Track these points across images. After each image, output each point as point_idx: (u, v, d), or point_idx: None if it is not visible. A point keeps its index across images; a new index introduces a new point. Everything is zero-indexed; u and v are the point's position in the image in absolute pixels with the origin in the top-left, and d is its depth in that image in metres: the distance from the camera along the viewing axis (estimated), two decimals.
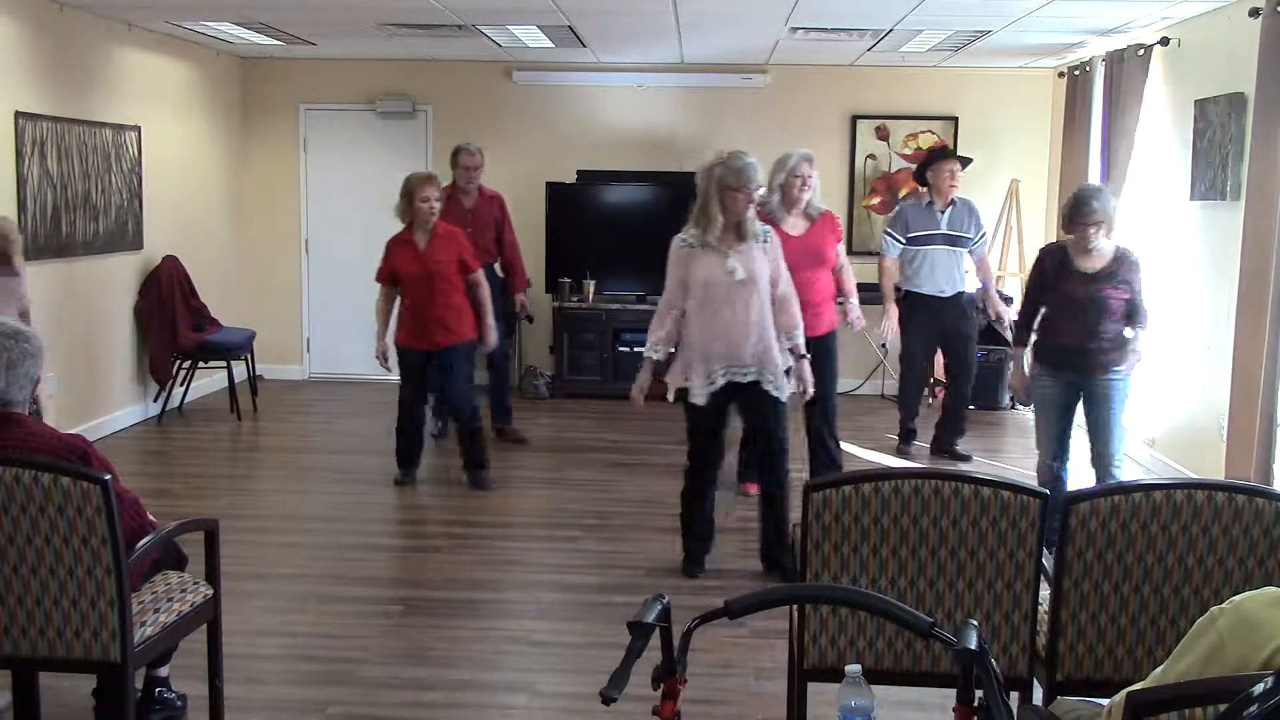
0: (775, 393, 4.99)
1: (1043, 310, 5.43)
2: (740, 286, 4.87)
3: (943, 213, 7.13)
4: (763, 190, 4.98)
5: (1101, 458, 5.33)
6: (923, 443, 7.61)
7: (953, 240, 7.12)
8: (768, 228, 5.06)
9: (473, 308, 6.49)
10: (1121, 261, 5.20)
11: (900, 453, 7.49)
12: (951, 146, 9.40)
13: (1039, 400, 5.49)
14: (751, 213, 4.91)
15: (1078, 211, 5.16)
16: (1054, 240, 5.69)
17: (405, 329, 6.47)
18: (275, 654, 4.30)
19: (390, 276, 6.43)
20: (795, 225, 6.01)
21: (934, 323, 7.23)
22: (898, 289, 7.25)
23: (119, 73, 7.93)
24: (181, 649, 3.66)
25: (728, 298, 4.87)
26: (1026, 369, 5.56)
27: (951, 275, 7.16)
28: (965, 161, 7.34)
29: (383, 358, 6.52)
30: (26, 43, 6.87)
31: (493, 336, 6.62)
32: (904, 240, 7.14)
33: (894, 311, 7.16)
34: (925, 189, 7.29)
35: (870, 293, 8.97)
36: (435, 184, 6.36)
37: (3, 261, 5.72)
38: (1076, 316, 5.19)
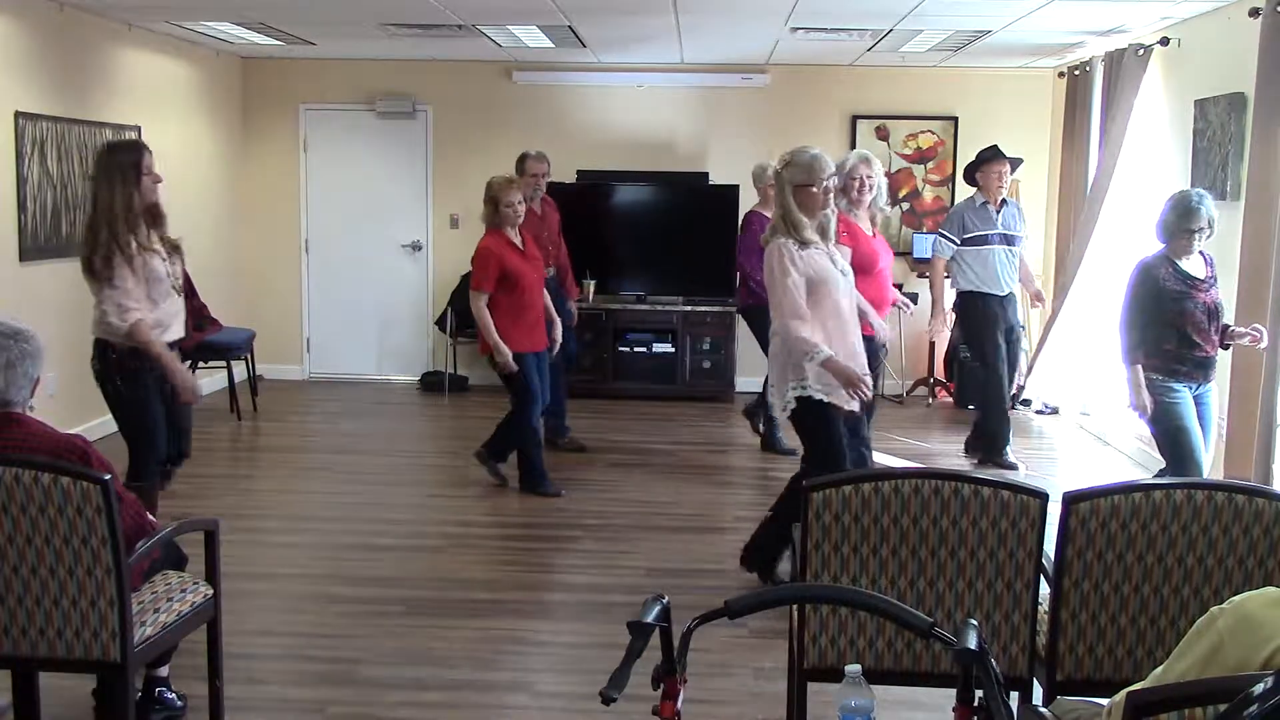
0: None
1: (1150, 324, 5.18)
2: (849, 285, 4.72)
3: (998, 212, 7.08)
4: (836, 180, 4.76)
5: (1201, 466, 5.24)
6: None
7: (1008, 240, 7.07)
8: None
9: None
10: (1211, 264, 5.20)
11: (1003, 465, 7.11)
12: (952, 146, 9.41)
13: (1178, 421, 5.18)
14: (832, 210, 4.73)
15: (1187, 218, 5.05)
16: (1147, 250, 5.30)
17: (520, 334, 6.20)
18: (275, 654, 4.30)
19: (499, 281, 6.11)
20: (867, 226, 5.95)
21: (1001, 322, 7.10)
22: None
23: (119, 73, 7.93)
24: (181, 649, 3.66)
25: (843, 298, 4.67)
26: (1145, 386, 5.24)
27: (1010, 274, 7.10)
28: (1016, 163, 7.25)
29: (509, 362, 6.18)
30: (26, 43, 6.87)
31: (559, 336, 6.59)
32: (958, 241, 7.06)
33: (943, 314, 7.13)
34: (975, 189, 7.22)
35: None
36: (518, 187, 6.29)
37: (172, 250, 4.83)
38: (1206, 326, 5.12)
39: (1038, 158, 9.49)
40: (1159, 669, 2.01)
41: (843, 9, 7.00)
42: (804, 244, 4.60)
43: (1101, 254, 7.82)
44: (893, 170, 9.61)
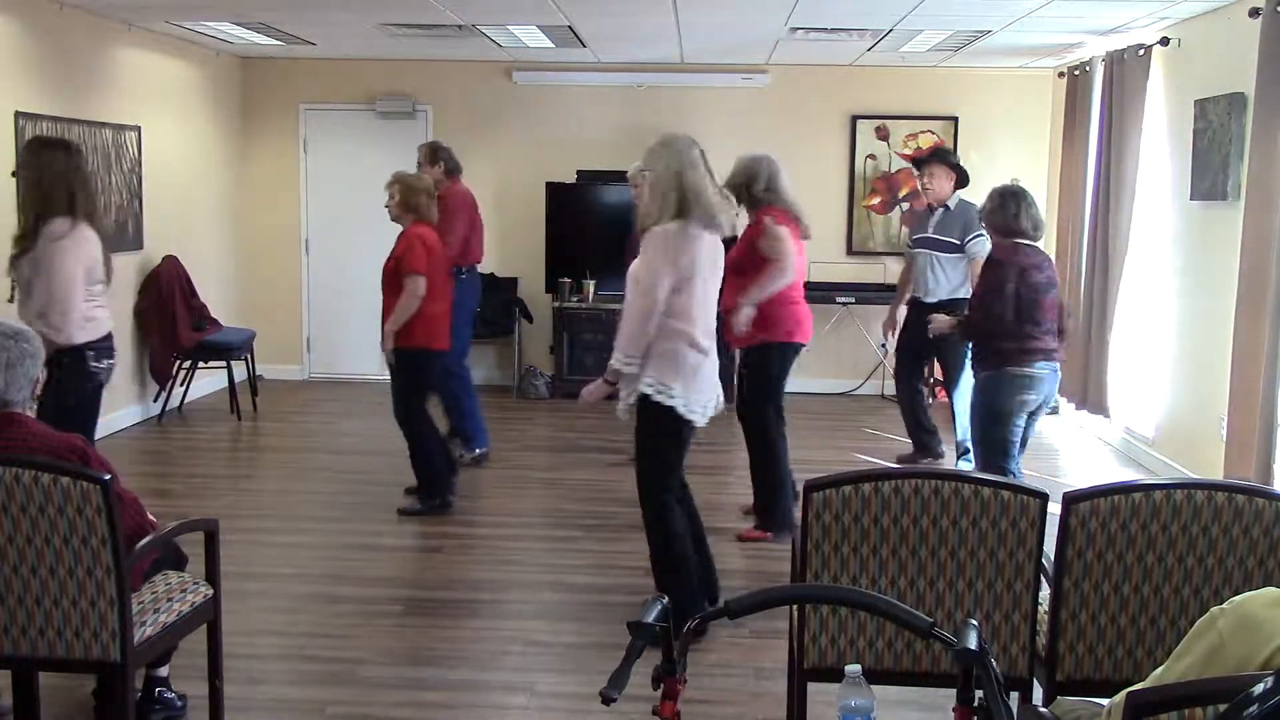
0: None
1: None
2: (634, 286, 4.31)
3: (930, 216, 6.96)
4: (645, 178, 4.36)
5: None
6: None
7: (936, 245, 6.85)
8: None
9: None
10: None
11: (906, 460, 7.23)
12: (952, 146, 9.40)
13: None
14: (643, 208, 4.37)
15: None
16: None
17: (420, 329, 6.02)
18: (275, 654, 4.30)
19: None
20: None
21: (917, 328, 6.88)
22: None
23: (119, 73, 7.93)
24: (181, 649, 3.66)
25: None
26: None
27: (929, 281, 6.87)
28: (957, 168, 6.94)
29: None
30: (26, 43, 6.87)
31: (385, 342, 5.91)
32: (910, 243, 7.11)
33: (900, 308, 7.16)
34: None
35: (870, 293, 9.03)
36: (391, 181, 6.00)
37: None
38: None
39: (1038, 158, 9.50)
40: (1159, 669, 2.01)
41: (843, 9, 7.00)
42: None
43: (1132, 261, 7.57)
44: (892, 170, 9.62)
